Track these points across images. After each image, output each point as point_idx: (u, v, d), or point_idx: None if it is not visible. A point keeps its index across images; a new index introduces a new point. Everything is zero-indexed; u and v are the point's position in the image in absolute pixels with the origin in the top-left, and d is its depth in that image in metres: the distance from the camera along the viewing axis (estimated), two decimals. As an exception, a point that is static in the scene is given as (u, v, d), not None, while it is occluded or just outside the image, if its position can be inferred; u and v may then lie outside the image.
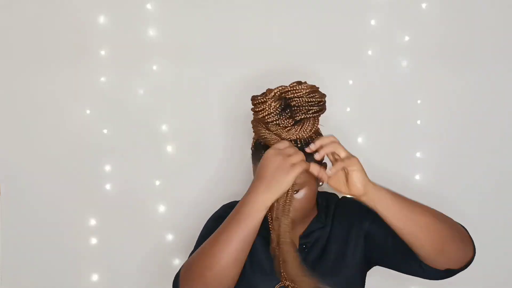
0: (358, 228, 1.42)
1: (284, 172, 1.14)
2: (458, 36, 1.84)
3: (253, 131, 1.34)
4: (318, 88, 1.30)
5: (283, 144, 1.19)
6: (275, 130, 1.25)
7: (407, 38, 1.83)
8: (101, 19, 1.79)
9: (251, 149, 1.36)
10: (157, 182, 1.85)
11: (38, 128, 1.83)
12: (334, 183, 1.24)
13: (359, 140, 1.85)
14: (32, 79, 1.80)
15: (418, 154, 1.87)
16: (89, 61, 1.80)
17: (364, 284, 1.46)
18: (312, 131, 1.27)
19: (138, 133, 1.83)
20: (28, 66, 1.80)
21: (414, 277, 1.86)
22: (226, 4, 1.81)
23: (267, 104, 1.24)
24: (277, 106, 1.23)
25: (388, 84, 1.84)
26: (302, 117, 1.25)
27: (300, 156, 1.16)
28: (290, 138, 1.24)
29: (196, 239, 1.46)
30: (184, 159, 1.85)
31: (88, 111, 1.82)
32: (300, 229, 1.42)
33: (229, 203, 1.53)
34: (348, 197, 1.51)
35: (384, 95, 1.84)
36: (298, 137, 1.25)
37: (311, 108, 1.26)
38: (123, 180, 1.84)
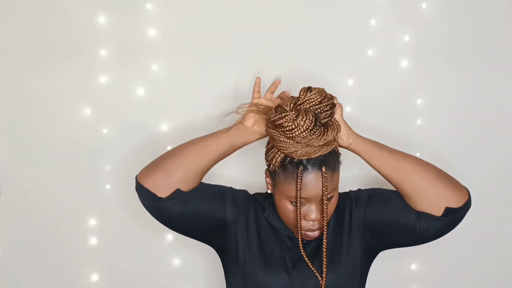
0: (350, 221, 1.42)
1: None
2: (458, 36, 1.84)
3: (277, 148, 1.30)
4: (325, 90, 1.33)
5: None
6: (308, 141, 1.25)
7: (407, 38, 1.83)
8: (101, 19, 1.79)
9: (272, 166, 1.32)
10: (157, 182, 1.84)
11: (38, 128, 1.82)
12: None
13: (359, 140, 1.85)
14: (32, 79, 1.80)
15: (418, 154, 1.87)
16: (89, 61, 1.80)
17: (366, 278, 1.45)
18: (340, 129, 1.32)
19: (138, 133, 1.83)
20: (27, 66, 1.80)
21: (415, 276, 1.87)
22: (226, 4, 1.81)
23: (298, 121, 1.25)
24: (310, 121, 1.25)
25: (388, 84, 1.84)
26: (325, 121, 1.30)
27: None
28: (325, 142, 1.27)
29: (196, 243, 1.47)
30: (184, 159, 1.84)
31: (88, 111, 1.82)
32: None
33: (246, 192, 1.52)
34: (340, 192, 1.51)
35: (384, 95, 1.84)
36: (333, 138, 1.29)
37: (328, 112, 1.30)
38: (123, 180, 1.84)
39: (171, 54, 1.82)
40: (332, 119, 1.32)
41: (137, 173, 1.41)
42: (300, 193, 1.27)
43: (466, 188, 1.39)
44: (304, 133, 1.25)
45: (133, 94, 1.82)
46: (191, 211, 1.36)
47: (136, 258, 1.87)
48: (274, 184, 1.35)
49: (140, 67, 1.81)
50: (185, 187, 1.34)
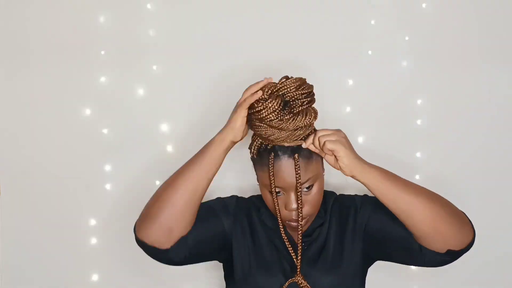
0: (353, 224, 1.42)
1: (235, 111, 1.31)
2: (458, 36, 1.84)
3: (254, 132, 1.33)
4: (305, 79, 1.32)
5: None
6: (279, 125, 1.26)
7: (407, 38, 1.83)
8: (101, 19, 1.79)
9: (253, 156, 1.36)
10: (157, 182, 1.84)
11: (38, 128, 1.82)
12: (328, 159, 1.30)
13: (359, 140, 1.85)
14: (32, 79, 1.80)
15: (418, 154, 1.87)
16: (89, 61, 1.80)
17: (365, 282, 1.45)
18: (314, 120, 1.30)
19: (138, 133, 1.83)
20: (27, 65, 1.80)
21: (415, 276, 1.87)
22: (226, 4, 1.81)
23: (267, 103, 1.26)
24: (278, 104, 1.26)
25: (388, 84, 1.84)
26: (300, 109, 1.28)
27: (244, 94, 1.30)
28: (297, 126, 1.26)
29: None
30: (184, 159, 1.84)
31: (88, 111, 1.82)
32: (304, 227, 1.42)
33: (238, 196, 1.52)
34: (345, 194, 1.52)
35: (384, 95, 1.84)
36: (304, 124, 1.27)
37: (305, 99, 1.29)
38: (123, 180, 1.84)
39: (171, 54, 1.82)
40: (310, 107, 1.31)
41: (134, 211, 1.43)
42: (273, 181, 1.28)
43: (471, 226, 1.36)
44: (271, 115, 1.25)
45: (133, 94, 1.82)
46: (195, 243, 1.34)
47: (136, 258, 1.86)
48: (256, 174, 1.37)
49: (140, 67, 1.81)
50: (186, 231, 1.33)
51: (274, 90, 1.29)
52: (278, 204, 1.32)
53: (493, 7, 1.84)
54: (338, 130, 1.29)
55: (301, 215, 1.30)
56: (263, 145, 1.32)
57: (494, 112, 1.87)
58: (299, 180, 1.28)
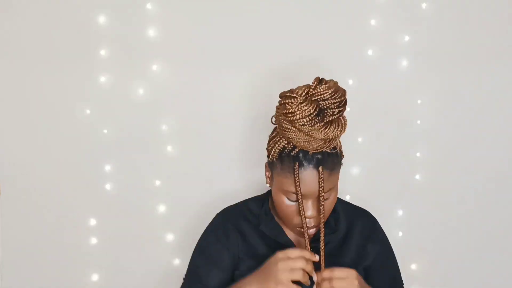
0: (361, 243, 1.43)
1: (282, 278, 1.20)
2: (458, 36, 1.84)
3: (279, 132, 1.29)
4: (337, 83, 1.28)
5: (295, 253, 1.22)
6: (309, 131, 1.22)
7: (407, 38, 1.83)
8: (101, 19, 1.79)
9: (272, 159, 1.31)
10: (157, 182, 1.85)
11: (38, 128, 1.82)
12: None
13: (359, 140, 1.86)
14: (32, 79, 1.80)
15: (418, 154, 1.87)
16: (89, 61, 1.80)
17: None
18: (345, 129, 1.26)
19: (138, 133, 1.83)
20: (27, 65, 1.80)
21: (415, 276, 1.87)
22: (226, 4, 1.81)
23: (302, 105, 1.22)
24: (314, 109, 1.22)
25: (388, 84, 1.84)
26: (331, 118, 1.24)
27: (302, 264, 1.21)
28: (327, 138, 1.23)
29: (196, 242, 1.46)
30: (184, 159, 1.85)
31: (88, 111, 1.82)
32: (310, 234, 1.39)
33: (224, 211, 1.49)
34: (357, 206, 1.51)
35: (384, 95, 1.84)
36: (335, 136, 1.24)
37: (337, 108, 1.25)
38: (123, 180, 1.84)
39: (171, 54, 1.82)
40: (341, 117, 1.27)
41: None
42: (299, 190, 1.25)
43: None
44: (303, 120, 1.21)
45: (133, 94, 1.82)
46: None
47: (136, 258, 1.87)
48: (272, 176, 1.34)
49: (140, 67, 1.81)
50: None
51: (310, 94, 1.24)
52: (303, 209, 1.28)
53: (493, 7, 1.84)
54: (352, 273, 1.24)
55: (323, 220, 1.29)
56: (286, 150, 1.28)
57: (494, 112, 1.87)
58: (322, 194, 1.26)
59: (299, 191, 1.25)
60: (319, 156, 1.26)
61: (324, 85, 1.24)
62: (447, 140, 1.87)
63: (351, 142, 1.84)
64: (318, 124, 1.22)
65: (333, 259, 1.37)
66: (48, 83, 1.81)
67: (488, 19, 1.84)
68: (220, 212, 1.48)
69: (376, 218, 1.50)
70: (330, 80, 1.28)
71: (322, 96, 1.23)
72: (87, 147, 1.83)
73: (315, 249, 1.38)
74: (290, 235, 1.42)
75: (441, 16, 1.83)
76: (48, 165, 1.83)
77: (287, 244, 1.39)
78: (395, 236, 1.85)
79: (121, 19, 1.80)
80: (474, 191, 1.89)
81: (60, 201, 1.84)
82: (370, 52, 1.83)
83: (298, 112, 1.21)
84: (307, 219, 1.29)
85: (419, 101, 1.85)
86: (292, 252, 1.23)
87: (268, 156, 1.34)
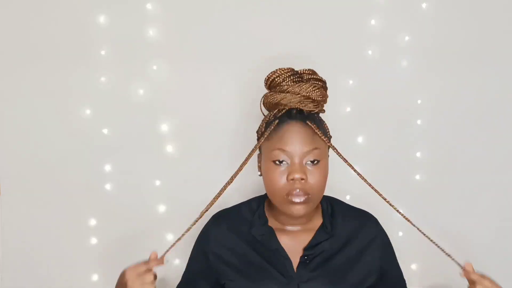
0: (372, 257, 1.42)
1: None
2: (458, 36, 1.84)
3: (267, 107, 1.41)
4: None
5: (141, 268, 1.32)
6: (288, 88, 1.33)
7: (407, 38, 1.83)
8: (101, 19, 1.79)
9: (259, 131, 1.40)
10: (157, 182, 1.85)
11: (38, 128, 1.82)
12: None
13: (359, 140, 1.85)
14: (32, 79, 1.80)
15: (418, 154, 1.87)
16: (89, 61, 1.80)
17: None
18: (324, 97, 1.37)
19: (138, 133, 1.83)
20: (27, 66, 1.80)
21: (415, 276, 1.87)
22: (226, 4, 1.81)
23: (278, 69, 1.37)
24: (288, 69, 1.36)
25: (388, 84, 1.84)
26: (309, 79, 1.36)
27: (150, 278, 1.31)
28: (303, 93, 1.32)
29: (193, 244, 1.49)
30: (184, 159, 1.85)
31: (88, 111, 1.82)
32: (303, 241, 1.39)
33: (218, 213, 1.50)
34: (361, 209, 1.51)
35: (384, 95, 1.84)
36: (310, 94, 1.33)
37: (315, 81, 1.37)
38: (123, 180, 1.84)
39: (171, 54, 1.82)
40: (324, 91, 1.38)
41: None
42: (272, 139, 1.31)
43: None
44: (280, 76, 1.34)
45: (133, 94, 1.82)
46: None
47: (136, 258, 1.86)
48: (261, 155, 1.38)
49: (140, 67, 1.81)
50: None
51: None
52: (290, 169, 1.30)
53: (493, 7, 1.84)
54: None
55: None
56: (271, 117, 1.36)
57: (494, 112, 1.87)
58: (318, 131, 1.30)
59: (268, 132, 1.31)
60: (301, 114, 1.34)
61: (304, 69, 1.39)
62: (447, 140, 1.87)
63: (351, 142, 1.84)
64: (295, 79, 1.34)
65: (337, 273, 1.36)
66: (48, 83, 1.81)
67: (488, 19, 1.84)
68: (210, 218, 1.49)
69: (377, 219, 1.49)
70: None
71: (301, 71, 1.38)
72: (87, 147, 1.83)
73: (304, 258, 1.37)
74: (283, 240, 1.39)
75: (441, 16, 1.83)
76: (48, 165, 1.83)
77: (278, 251, 1.37)
78: (395, 236, 1.85)
79: (121, 19, 1.80)
80: (474, 191, 1.89)
81: (60, 201, 1.83)
82: (370, 52, 1.83)
83: (275, 75, 1.36)
84: (295, 183, 1.29)
85: (419, 101, 1.85)
86: (139, 268, 1.30)
87: (258, 139, 1.39)
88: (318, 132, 1.30)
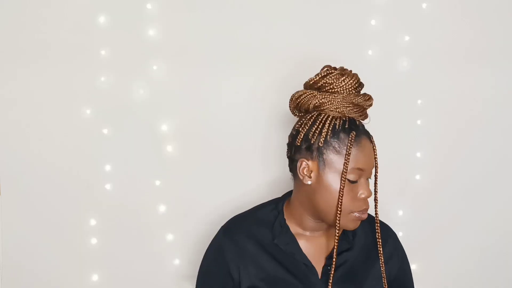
0: (390, 271, 1.39)
1: None
2: (458, 36, 1.84)
3: (322, 111, 1.29)
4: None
5: None
6: (355, 99, 1.28)
7: (407, 38, 1.83)
8: (101, 19, 1.79)
9: (322, 141, 1.25)
10: (157, 182, 1.85)
11: (38, 128, 1.82)
12: None
13: (359, 140, 1.85)
14: (32, 79, 1.80)
15: (418, 154, 1.87)
16: (89, 61, 1.80)
17: None
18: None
19: (138, 133, 1.83)
20: (27, 65, 1.80)
21: (415, 276, 1.86)
22: (226, 4, 1.81)
23: (343, 78, 1.29)
24: (354, 80, 1.29)
25: (388, 84, 1.84)
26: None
27: None
28: (370, 105, 1.33)
29: (196, 246, 1.46)
30: (184, 159, 1.85)
31: (88, 111, 1.82)
32: (324, 248, 1.35)
33: (226, 226, 1.40)
34: (399, 242, 1.48)
35: (384, 95, 1.84)
36: (369, 105, 1.32)
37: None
38: (123, 180, 1.84)
39: (171, 54, 1.82)
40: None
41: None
42: (349, 155, 1.24)
43: None
44: (350, 88, 1.26)
45: (133, 94, 1.82)
46: None
47: (136, 258, 1.87)
48: (322, 165, 1.25)
49: (140, 67, 1.81)
50: None
51: (341, 71, 1.33)
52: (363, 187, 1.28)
53: (493, 7, 1.84)
54: None
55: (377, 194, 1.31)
56: (337, 125, 1.26)
57: (494, 112, 1.87)
58: (376, 164, 1.29)
59: (348, 158, 1.24)
60: (364, 127, 1.30)
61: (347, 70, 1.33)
62: (447, 140, 1.87)
63: (351, 142, 1.84)
64: (363, 92, 1.29)
65: (358, 281, 1.33)
66: (48, 83, 1.80)
67: (488, 19, 1.84)
68: (222, 227, 1.39)
69: (396, 234, 1.48)
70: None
71: (355, 74, 1.31)
72: (87, 147, 1.83)
73: (328, 268, 1.32)
74: (304, 246, 1.33)
75: (441, 16, 1.83)
76: (48, 165, 1.83)
77: (303, 261, 1.31)
78: (395, 236, 1.85)
79: (121, 19, 1.80)
80: (474, 191, 1.89)
81: (60, 201, 1.83)
82: (370, 52, 1.83)
83: (342, 83, 1.26)
84: (364, 201, 1.27)
85: (419, 101, 1.85)
86: None
87: (311, 145, 1.26)
88: (375, 150, 1.30)
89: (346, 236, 1.35)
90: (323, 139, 1.25)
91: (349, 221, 1.27)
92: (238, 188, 1.83)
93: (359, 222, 1.28)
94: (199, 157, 1.84)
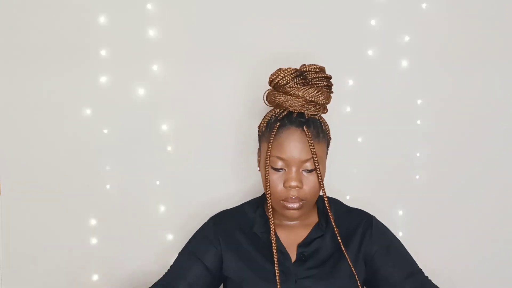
0: (359, 245, 1.42)
1: None
2: (458, 36, 1.84)
3: (270, 104, 1.40)
4: (324, 68, 1.40)
5: None
6: (291, 91, 1.32)
7: (407, 38, 1.83)
8: (101, 19, 1.79)
9: (260, 129, 1.40)
10: (157, 182, 1.85)
11: (38, 128, 1.82)
12: None
13: (359, 140, 1.85)
14: (32, 79, 1.80)
15: (418, 154, 1.87)
16: (89, 61, 1.80)
17: None
18: (327, 100, 1.36)
19: (138, 133, 1.83)
20: (28, 65, 1.80)
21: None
22: (226, 4, 1.81)
23: (282, 70, 1.35)
24: (292, 71, 1.34)
25: (388, 84, 1.84)
26: (314, 83, 1.34)
27: None
28: (306, 97, 1.32)
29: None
30: (184, 159, 1.85)
31: (88, 111, 1.82)
32: (300, 236, 1.42)
33: (216, 215, 1.52)
34: (358, 210, 1.50)
35: (384, 95, 1.84)
36: (313, 98, 1.33)
37: (322, 81, 1.36)
38: (123, 180, 1.84)
39: (171, 54, 1.82)
40: (328, 93, 1.37)
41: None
42: (271, 143, 1.31)
43: None
44: (284, 79, 1.32)
45: (133, 94, 1.82)
46: None
47: (136, 258, 1.87)
48: (259, 153, 1.40)
49: (140, 67, 1.81)
50: None
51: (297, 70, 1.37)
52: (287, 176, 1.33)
53: (493, 7, 1.84)
54: None
55: (323, 189, 1.33)
56: (272, 117, 1.36)
57: (494, 112, 1.87)
58: (312, 147, 1.30)
59: (270, 146, 1.31)
60: (302, 119, 1.33)
61: (311, 64, 1.37)
62: (447, 140, 1.87)
63: (351, 142, 1.84)
64: (299, 82, 1.33)
65: (333, 271, 1.36)
66: (48, 83, 1.80)
67: (488, 19, 1.84)
68: (212, 216, 1.50)
69: (375, 216, 1.49)
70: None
71: (307, 69, 1.36)
72: (87, 147, 1.83)
73: (301, 255, 1.39)
74: (281, 235, 1.41)
75: (441, 16, 1.83)
76: (48, 165, 1.83)
77: (279, 248, 1.38)
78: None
79: (121, 19, 1.80)
80: (474, 191, 1.89)
81: (60, 201, 1.83)
82: (370, 52, 1.83)
83: (279, 76, 1.34)
84: (291, 190, 1.32)
85: (419, 101, 1.85)
86: None
87: (259, 135, 1.41)
88: (311, 146, 1.31)
89: (320, 225, 1.42)
90: (261, 129, 1.40)
91: (281, 208, 1.36)
92: (238, 188, 1.83)
93: (292, 211, 1.34)
94: (199, 157, 1.84)
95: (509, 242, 1.91)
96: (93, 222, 1.84)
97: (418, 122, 1.86)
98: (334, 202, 1.50)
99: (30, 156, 1.82)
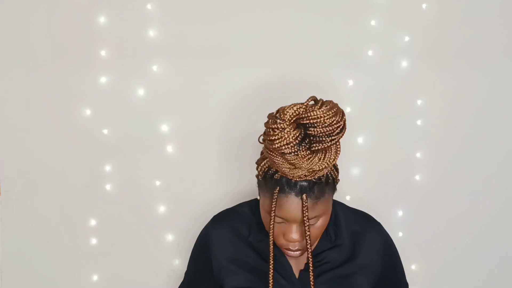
0: (365, 260, 1.37)
1: None
2: (458, 36, 1.84)
3: (267, 157, 1.19)
4: (336, 105, 1.13)
5: None
6: (292, 160, 1.09)
7: (407, 38, 1.83)
8: (101, 19, 1.79)
9: (258, 177, 1.24)
10: (157, 182, 1.85)
11: (38, 128, 1.82)
12: None
13: (359, 140, 1.85)
14: (32, 79, 1.80)
15: (418, 154, 1.87)
16: (89, 61, 1.80)
17: None
18: (336, 159, 1.13)
19: (138, 133, 1.83)
20: (28, 66, 1.80)
21: (415, 277, 1.87)
22: (226, 4, 1.81)
23: (285, 132, 1.08)
24: (296, 135, 1.08)
25: (388, 84, 1.84)
26: (319, 147, 1.10)
27: None
28: (312, 168, 1.11)
29: (194, 245, 1.46)
30: (184, 159, 1.85)
31: (88, 111, 1.82)
32: (301, 262, 1.35)
33: (219, 215, 1.44)
34: (384, 233, 1.44)
35: (384, 95, 1.84)
36: (321, 167, 1.11)
37: (331, 135, 1.10)
38: (123, 180, 1.84)
39: (171, 54, 1.82)
40: (337, 146, 1.14)
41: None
42: (274, 217, 1.17)
43: None
44: (283, 148, 1.08)
45: (133, 94, 1.82)
46: None
47: (136, 258, 1.87)
48: (259, 192, 1.26)
49: (140, 67, 1.81)
50: None
51: (299, 117, 1.10)
52: (273, 230, 1.20)
53: (493, 7, 1.84)
54: None
55: (309, 248, 1.19)
56: (270, 171, 1.19)
57: (493, 112, 1.87)
58: (307, 223, 1.16)
59: (273, 216, 1.17)
60: (303, 183, 1.15)
61: (318, 110, 1.09)
62: (447, 140, 1.87)
63: (351, 142, 1.84)
64: (303, 153, 1.09)
65: (341, 280, 1.33)
66: (48, 83, 1.81)
67: (488, 19, 1.84)
68: (210, 220, 1.43)
69: (380, 223, 1.46)
70: (328, 101, 1.12)
71: (312, 121, 1.09)
72: (87, 147, 1.83)
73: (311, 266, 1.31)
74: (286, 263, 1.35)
75: (441, 16, 1.83)
76: (48, 165, 1.83)
77: (277, 257, 1.32)
78: (395, 236, 1.85)
79: (121, 19, 1.80)
80: (474, 191, 1.89)
81: (60, 201, 1.84)
82: (370, 52, 1.83)
83: (278, 140, 1.08)
84: (290, 243, 1.22)
85: (419, 101, 1.85)
86: None
87: (257, 179, 1.27)
88: (304, 207, 1.16)
89: (328, 236, 1.35)
90: (257, 173, 1.24)
91: (282, 250, 1.26)
92: (239, 188, 1.83)
93: (292, 255, 1.25)
94: (199, 157, 1.84)
95: (509, 242, 1.92)
96: (93, 222, 1.85)
97: (418, 122, 1.86)
98: (341, 207, 1.43)
99: (30, 156, 1.83)
